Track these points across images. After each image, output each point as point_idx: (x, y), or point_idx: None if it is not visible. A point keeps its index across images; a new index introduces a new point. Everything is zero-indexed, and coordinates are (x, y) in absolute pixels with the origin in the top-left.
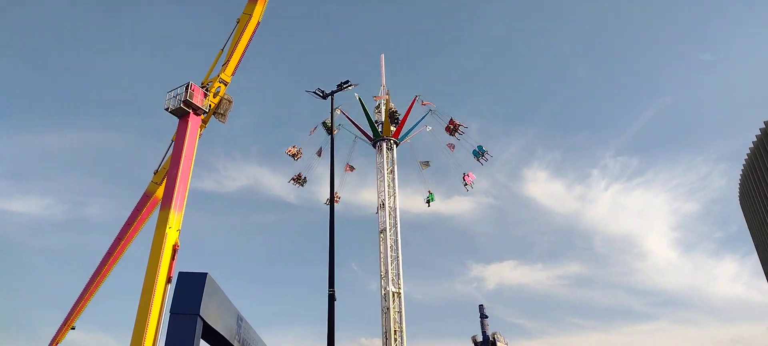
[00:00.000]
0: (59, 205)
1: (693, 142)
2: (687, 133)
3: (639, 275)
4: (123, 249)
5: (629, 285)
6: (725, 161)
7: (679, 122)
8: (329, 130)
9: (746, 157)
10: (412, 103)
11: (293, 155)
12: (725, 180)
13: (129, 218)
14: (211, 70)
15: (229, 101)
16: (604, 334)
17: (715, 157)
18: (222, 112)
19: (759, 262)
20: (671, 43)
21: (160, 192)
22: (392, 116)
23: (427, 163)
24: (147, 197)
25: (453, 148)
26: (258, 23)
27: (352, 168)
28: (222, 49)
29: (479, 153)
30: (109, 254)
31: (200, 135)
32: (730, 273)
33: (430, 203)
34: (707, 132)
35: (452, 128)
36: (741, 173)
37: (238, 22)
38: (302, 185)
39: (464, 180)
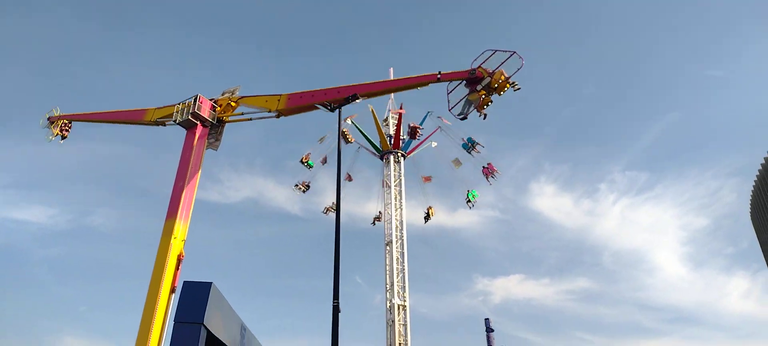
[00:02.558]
0: (64, 214)
1: (703, 157)
2: (697, 149)
3: (649, 291)
4: None
5: (639, 301)
6: (736, 176)
7: (688, 138)
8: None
9: (758, 172)
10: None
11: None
12: (736, 195)
13: None
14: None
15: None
16: None
17: (726, 173)
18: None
19: None
20: (680, 60)
21: None
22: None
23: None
24: None
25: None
26: None
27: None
28: None
29: (470, 146)
30: None
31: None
32: (742, 289)
33: (472, 202)
34: (717, 147)
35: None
36: (753, 187)
37: None
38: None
39: (484, 174)
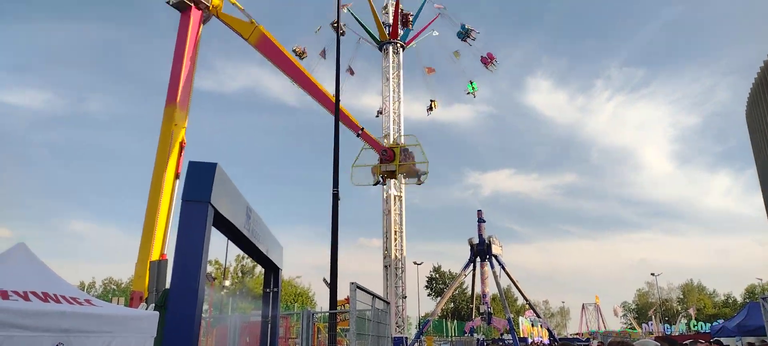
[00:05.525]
0: (59, 99)
1: (702, 53)
2: (697, 45)
3: (632, 187)
4: None
5: (622, 196)
6: (733, 74)
7: (689, 32)
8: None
9: (760, 69)
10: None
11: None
12: (730, 93)
13: None
14: None
15: None
16: (594, 241)
17: (724, 70)
18: None
19: (755, 177)
20: None
21: None
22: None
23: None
24: None
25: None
26: None
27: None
28: None
29: (464, 34)
30: None
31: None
32: (724, 187)
33: (472, 93)
34: (718, 44)
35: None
36: (753, 83)
37: None
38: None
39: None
